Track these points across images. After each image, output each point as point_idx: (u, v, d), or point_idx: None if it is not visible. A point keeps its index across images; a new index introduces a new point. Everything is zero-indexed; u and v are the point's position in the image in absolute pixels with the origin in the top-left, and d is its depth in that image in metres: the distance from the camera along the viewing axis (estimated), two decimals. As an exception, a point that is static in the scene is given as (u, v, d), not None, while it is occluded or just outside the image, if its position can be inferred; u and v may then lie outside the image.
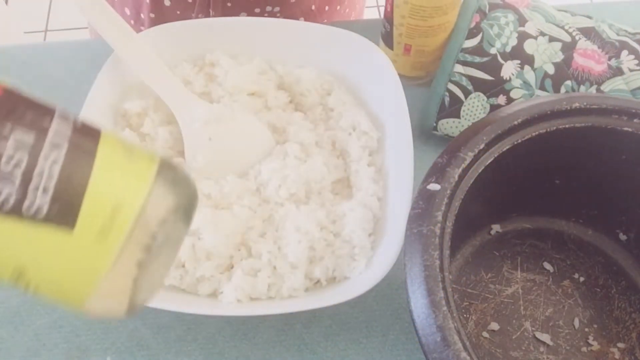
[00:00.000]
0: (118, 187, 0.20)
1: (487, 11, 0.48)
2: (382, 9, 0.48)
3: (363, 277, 0.39)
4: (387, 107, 0.45)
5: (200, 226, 0.40)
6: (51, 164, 0.19)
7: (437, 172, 0.34)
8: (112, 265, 0.20)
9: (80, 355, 0.41)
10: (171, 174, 0.22)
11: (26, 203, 0.19)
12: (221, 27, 0.48)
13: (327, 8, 0.63)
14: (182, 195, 0.22)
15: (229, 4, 0.56)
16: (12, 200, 0.19)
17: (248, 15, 0.57)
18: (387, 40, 0.49)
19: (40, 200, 0.19)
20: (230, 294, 0.38)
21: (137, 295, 0.22)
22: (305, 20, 0.61)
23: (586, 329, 0.41)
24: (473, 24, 0.48)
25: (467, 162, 0.34)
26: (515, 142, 0.36)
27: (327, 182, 0.44)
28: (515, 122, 0.35)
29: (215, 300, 0.39)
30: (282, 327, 0.42)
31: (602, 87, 0.46)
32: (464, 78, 0.47)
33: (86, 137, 0.21)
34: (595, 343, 0.40)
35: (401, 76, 0.45)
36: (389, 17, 0.48)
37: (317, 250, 0.40)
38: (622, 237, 0.43)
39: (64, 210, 0.19)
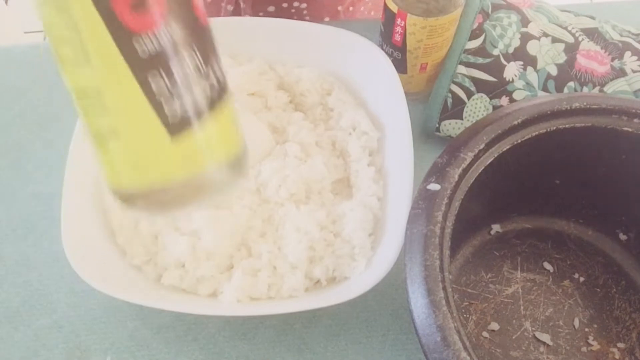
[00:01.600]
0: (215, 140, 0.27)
1: (489, 12, 0.48)
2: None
3: (363, 277, 0.39)
4: (387, 107, 0.45)
5: (200, 226, 0.40)
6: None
7: (437, 172, 0.34)
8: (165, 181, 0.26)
9: (80, 355, 0.41)
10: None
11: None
12: (221, 27, 0.48)
13: (351, 9, 0.63)
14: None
15: None
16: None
17: (276, 8, 0.57)
18: (399, 66, 0.47)
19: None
20: (230, 294, 0.38)
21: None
22: (330, 20, 0.61)
23: (586, 329, 0.41)
24: (476, 25, 0.48)
25: (467, 162, 0.34)
26: (515, 142, 0.36)
27: (327, 182, 0.43)
28: (515, 122, 0.35)
29: (215, 300, 0.39)
30: (282, 327, 0.42)
31: (604, 89, 0.46)
32: (466, 79, 0.47)
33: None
34: (595, 343, 0.40)
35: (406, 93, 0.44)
36: (399, 46, 0.47)
37: (317, 250, 0.40)
38: (622, 237, 0.43)
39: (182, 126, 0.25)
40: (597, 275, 0.43)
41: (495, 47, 0.47)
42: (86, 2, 0.23)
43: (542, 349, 0.40)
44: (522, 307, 0.41)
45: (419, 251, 0.31)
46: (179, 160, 0.26)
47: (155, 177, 0.26)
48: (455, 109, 0.47)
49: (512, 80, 0.47)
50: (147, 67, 0.24)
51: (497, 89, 0.47)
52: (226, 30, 0.48)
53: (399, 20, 0.45)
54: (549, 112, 0.36)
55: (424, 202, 0.33)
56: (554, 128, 0.36)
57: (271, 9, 0.58)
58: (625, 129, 0.37)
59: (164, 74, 0.24)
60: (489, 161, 0.35)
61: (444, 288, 0.30)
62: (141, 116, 0.25)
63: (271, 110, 0.47)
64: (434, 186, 0.33)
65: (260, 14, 0.59)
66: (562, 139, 0.37)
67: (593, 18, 0.49)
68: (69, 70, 0.25)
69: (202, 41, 0.26)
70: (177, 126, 0.25)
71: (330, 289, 0.40)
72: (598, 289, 0.42)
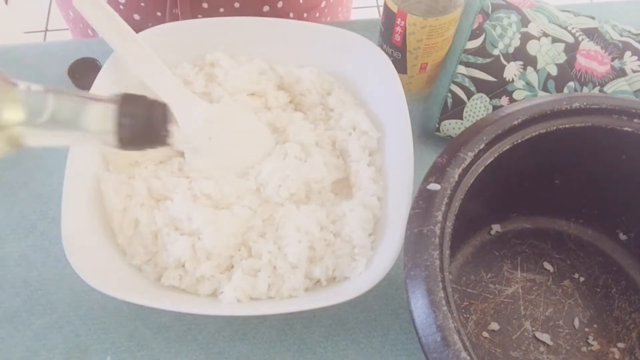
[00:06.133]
0: None
1: (489, 12, 0.48)
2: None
3: (363, 277, 0.39)
4: (387, 107, 0.45)
5: (200, 226, 0.40)
6: None
7: (437, 172, 0.34)
8: None
9: (80, 355, 0.41)
10: None
11: None
12: (221, 27, 0.48)
13: (305, 15, 0.62)
14: None
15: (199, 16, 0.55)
16: None
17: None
18: (399, 66, 0.47)
19: None
20: (230, 294, 0.38)
21: None
22: None
23: (586, 329, 0.41)
24: (476, 25, 0.47)
25: (467, 162, 0.34)
26: (515, 142, 0.36)
27: (327, 182, 0.43)
28: (515, 122, 0.35)
29: (215, 300, 0.39)
30: (282, 327, 0.42)
31: (604, 89, 0.46)
32: (466, 79, 0.47)
33: None
34: (595, 343, 0.40)
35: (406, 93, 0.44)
36: (399, 46, 0.47)
37: (317, 250, 0.40)
38: (622, 237, 0.43)
39: None
40: (597, 275, 0.43)
41: (495, 47, 0.47)
42: None
43: (542, 349, 0.40)
44: (522, 307, 0.41)
45: (419, 251, 0.31)
46: None
47: None
48: (455, 109, 0.47)
49: (512, 80, 0.47)
50: None
51: (497, 89, 0.47)
52: (226, 30, 0.48)
53: (398, 20, 0.45)
54: (549, 112, 0.36)
55: (424, 202, 0.33)
56: (554, 128, 0.36)
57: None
58: (625, 129, 0.37)
59: None
60: (489, 161, 0.35)
61: (444, 288, 0.30)
62: None
63: (271, 110, 0.47)
64: (434, 186, 0.33)
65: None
66: (562, 139, 0.37)
67: (593, 18, 0.49)
68: None
69: None
70: None
71: (330, 289, 0.40)
72: (598, 289, 0.42)
